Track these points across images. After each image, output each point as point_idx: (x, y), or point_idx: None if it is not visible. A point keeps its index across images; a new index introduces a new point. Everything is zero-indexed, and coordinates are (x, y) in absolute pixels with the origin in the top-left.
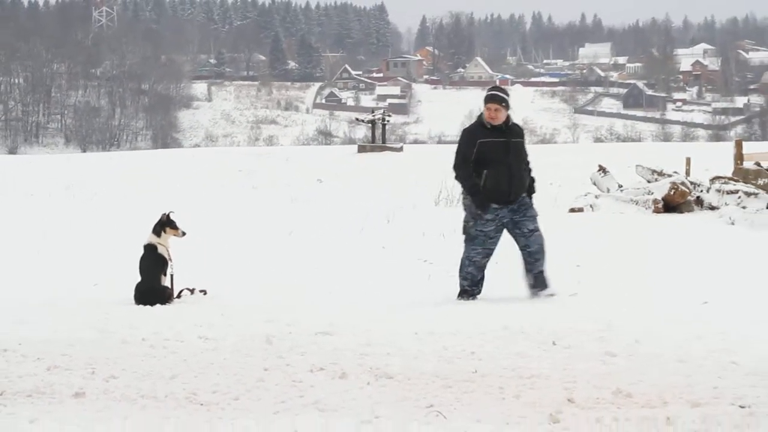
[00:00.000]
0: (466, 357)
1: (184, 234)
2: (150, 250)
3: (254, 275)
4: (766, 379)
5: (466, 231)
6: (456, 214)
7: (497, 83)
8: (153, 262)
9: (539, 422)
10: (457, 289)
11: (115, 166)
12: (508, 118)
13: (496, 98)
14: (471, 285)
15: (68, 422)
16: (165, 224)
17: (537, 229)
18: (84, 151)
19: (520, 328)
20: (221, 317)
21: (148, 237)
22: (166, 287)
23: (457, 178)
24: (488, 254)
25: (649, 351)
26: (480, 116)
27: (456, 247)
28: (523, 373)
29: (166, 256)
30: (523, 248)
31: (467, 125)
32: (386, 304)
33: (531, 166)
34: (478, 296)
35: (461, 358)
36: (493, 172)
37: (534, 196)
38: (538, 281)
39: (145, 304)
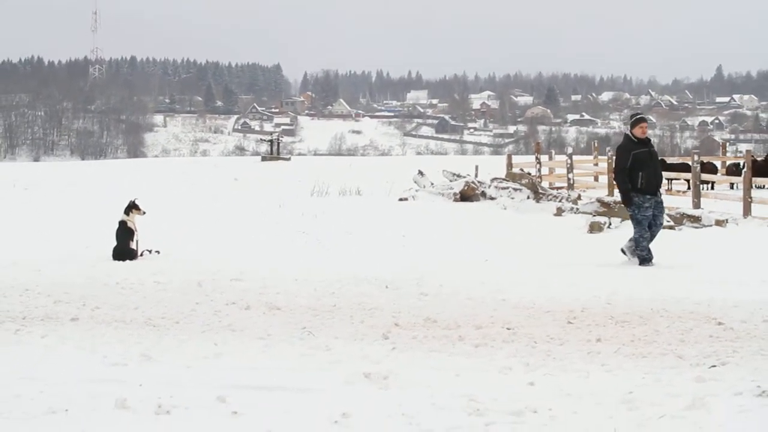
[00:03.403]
0: (328, 295)
1: (144, 213)
2: (122, 224)
3: (191, 240)
4: (524, 311)
5: (634, 218)
6: (323, 201)
7: (353, 116)
8: (124, 232)
9: (375, 339)
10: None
11: (103, 170)
12: None
13: (646, 119)
14: (649, 253)
15: (67, 338)
16: (132, 206)
17: (663, 222)
18: (83, 159)
19: (365, 276)
20: (169, 268)
21: (121, 215)
22: (133, 249)
23: (616, 179)
24: (649, 230)
25: (449, 291)
26: (626, 135)
27: (324, 222)
28: (366, 306)
29: (134, 228)
30: (650, 230)
31: (619, 143)
32: (278, 260)
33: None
34: (654, 260)
35: (325, 296)
36: (646, 173)
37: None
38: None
39: (119, 260)
